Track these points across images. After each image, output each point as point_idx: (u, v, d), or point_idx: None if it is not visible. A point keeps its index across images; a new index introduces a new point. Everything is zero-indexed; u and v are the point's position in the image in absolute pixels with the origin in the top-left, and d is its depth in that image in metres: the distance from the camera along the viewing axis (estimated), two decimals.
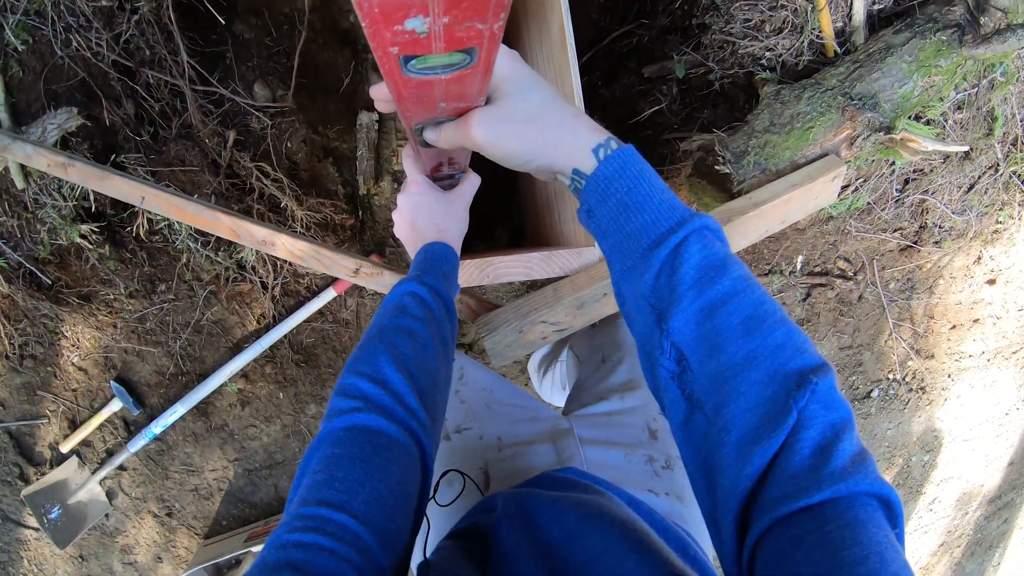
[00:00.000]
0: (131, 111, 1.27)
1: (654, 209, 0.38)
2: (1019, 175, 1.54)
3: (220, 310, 1.49)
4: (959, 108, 1.24)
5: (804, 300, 1.72)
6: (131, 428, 1.54)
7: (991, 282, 1.87)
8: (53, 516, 1.54)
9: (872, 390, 1.87)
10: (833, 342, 1.78)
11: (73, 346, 1.52)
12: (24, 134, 1.20)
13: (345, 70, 1.44)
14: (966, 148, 1.18)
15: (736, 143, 1.08)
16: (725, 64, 1.19)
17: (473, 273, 0.90)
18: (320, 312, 1.49)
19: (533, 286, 1.47)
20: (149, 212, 1.35)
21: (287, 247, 1.02)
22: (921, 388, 1.93)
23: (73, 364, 1.55)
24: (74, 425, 1.59)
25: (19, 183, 1.23)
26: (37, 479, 1.59)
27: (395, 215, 0.63)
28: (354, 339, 1.54)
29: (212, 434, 1.56)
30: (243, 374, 1.52)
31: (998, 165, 1.43)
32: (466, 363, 0.90)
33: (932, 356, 1.90)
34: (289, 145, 1.35)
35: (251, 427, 1.57)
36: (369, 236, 1.49)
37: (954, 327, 1.90)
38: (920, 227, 1.60)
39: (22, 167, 1.23)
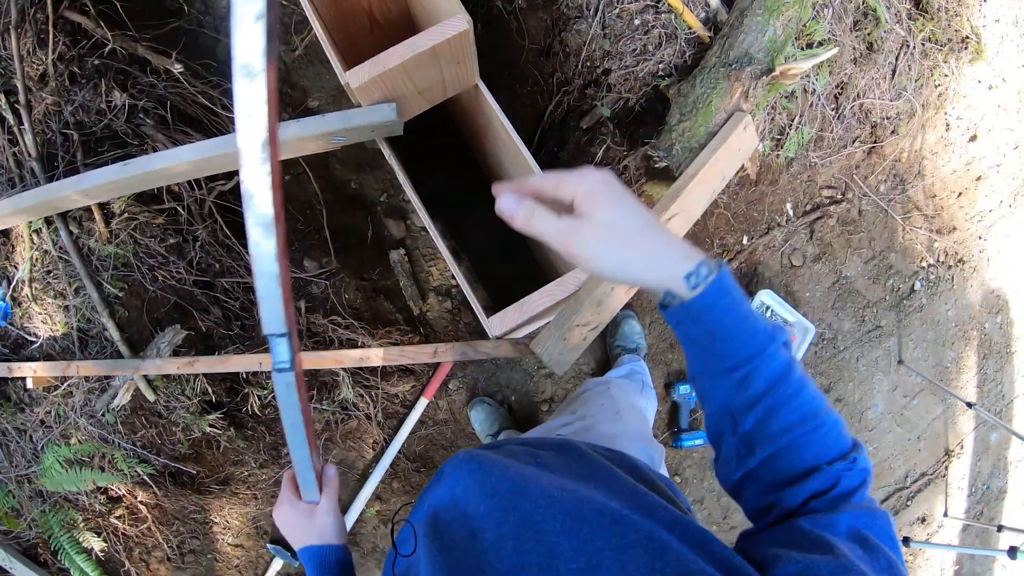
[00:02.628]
0: (219, 314, 1.57)
1: (737, 339, 0.44)
2: (929, 39, 1.70)
3: (339, 451, 1.70)
4: (839, 20, 1.47)
5: (811, 238, 1.87)
6: None
7: (973, 139, 1.99)
8: None
9: (913, 283, 1.97)
10: (856, 260, 1.91)
11: (225, 528, 1.73)
12: (143, 357, 1.49)
13: (364, 224, 1.74)
14: (834, 51, 1.39)
15: (663, 142, 1.33)
16: (635, 89, 1.46)
17: (513, 316, 1.14)
18: (421, 421, 1.69)
19: None
20: (256, 390, 1.61)
21: (379, 355, 1.27)
22: (959, 261, 2.02)
23: (229, 544, 1.76)
24: None
25: (150, 396, 1.51)
26: None
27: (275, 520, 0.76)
28: (455, 433, 1.73)
29: (367, 559, 1.72)
30: (376, 497, 1.71)
31: (907, 42, 1.62)
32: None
33: (954, 228, 2.01)
34: (347, 296, 1.62)
35: None
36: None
37: (960, 194, 2.01)
38: (872, 127, 1.78)
39: (149, 383, 1.51)
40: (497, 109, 1.23)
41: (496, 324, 1.13)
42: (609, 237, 0.42)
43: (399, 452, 1.67)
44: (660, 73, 1.41)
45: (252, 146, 0.45)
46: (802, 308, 1.83)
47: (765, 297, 1.74)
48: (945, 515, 2.09)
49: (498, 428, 1.61)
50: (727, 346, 0.45)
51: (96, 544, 1.71)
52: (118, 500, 1.74)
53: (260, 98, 0.43)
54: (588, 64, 1.47)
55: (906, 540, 1.75)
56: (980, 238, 2.05)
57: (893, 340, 1.95)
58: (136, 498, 1.72)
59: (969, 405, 1.84)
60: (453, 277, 1.74)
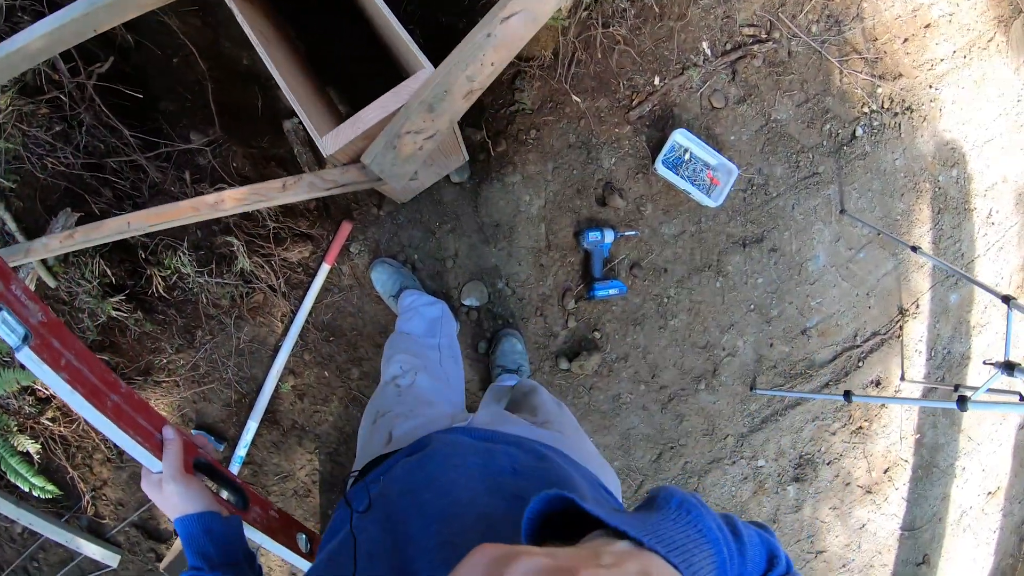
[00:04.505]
0: (110, 195, 1.55)
1: None
2: None
3: (250, 328, 1.68)
4: None
5: (733, 79, 1.76)
6: (224, 465, 1.71)
7: None
8: None
9: (854, 129, 1.84)
10: (787, 103, 1.79)
11: None
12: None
13: (255, 96, 1.69)
14: None
15: None
16: None
17: (347, 131, 1.08)
18: (325, 288, 1.66)
19: None
20: (159, 270, 1.59)
21: (233, 197, 1.22)
22: (907, 108, 1.89)
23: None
24: None
25: (51, 283, 1.50)
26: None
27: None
28: (360, 298, 1.69)
29: (288, 436, 1.71)
30: (290, 371, 1.69)
31: None
32: (420, 376, 1.08)
33: (900, 75, 1.87)
34: (235, 164, 1.58)
35: (316, 414, 1.71)
36: (333, 209, 1.68)
37: (906, 40, 1.87)
38: None
39: (48, 269, 1.50)
40: None
41: (329, 142, 1.07)
42: None
43: (307, 323, 1.64)
44: None
45: None
46: (727, 152, 1.73)
47: (679, 138, 1.64)
48: (902, 379, 2.00)
49: (399, 287, 1.57)
50: None
51: (31, 447, 1.73)
52: (47, 401, 1.75)
53: None
54: None
55: (847, 394, 1.66)
56: (931, 87, 1.90)
57: (833, 188, 1.84)
58: None
59: (913, 249, 1.73)
60: None
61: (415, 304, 1.47)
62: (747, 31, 1.75)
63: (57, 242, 1.41)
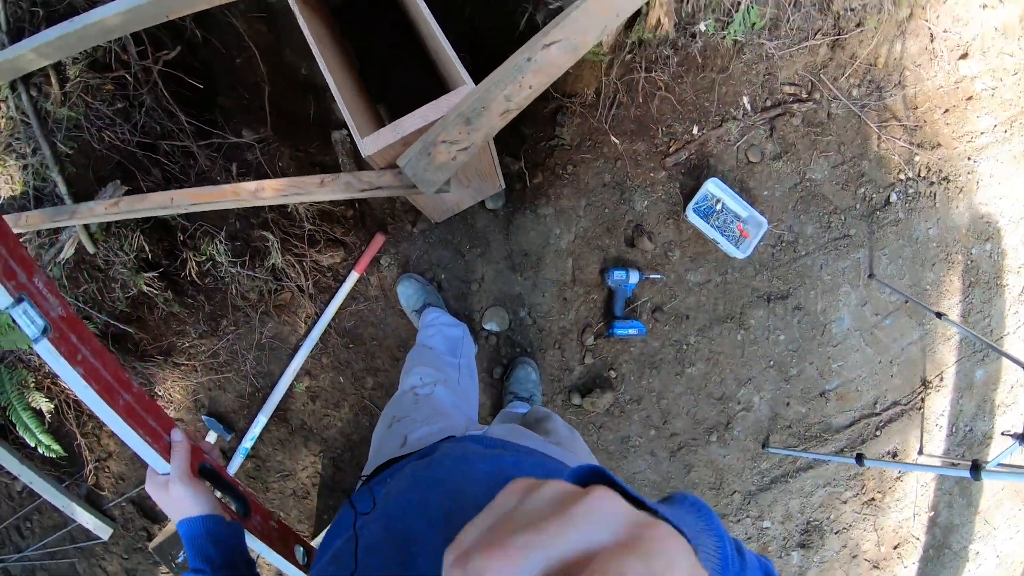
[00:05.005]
0: (159, 175, 1.62)
1: None
2: None
3: (274, 325, 1.71)
4: None
5: (771, 135, 1.78)
6: (228, 455, 1.72)
7: (964, 56, 1.87)
8: (180, 559, 1.70)
9: (888, 195, 1.85)
10: (823, 164, 1.81)
11: (168, 402, 1.76)
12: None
13: (309, 105, 1.77)
14: None
15: None
16: None
17: (387, 135, 1.13)
18: (351, 296, 1.69)
19: None
20: (195, 255, 1.64)
21: (273, 187, 1.27)
22: (943, 178, 1.89)
23: (171, 417, 1.79)
24: None
25: (90, 248, 1.55)
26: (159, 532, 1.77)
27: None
28: (384, 310, 1.71)
29: (295, 436, 1.71)
30: (306, 372, 1.71)
31: None
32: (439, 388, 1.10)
33: (938, 144, 1.88)
34: (280, 164, 1.64)
35: (325, 417, 1.72)
36: (369, 221, 1.72)
37: (947, 111, 1.89)
38: (835, 19, 1.69)
39: (90, 236, 1.55)
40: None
41: (369, 144, 1.11)
42: None
43: (330, 327, 1.67)
44: None
45: None
46: (759, 206, 1.74)
47: (712, 187, 1.66)
48: (920, 452, 1.94)
49: (423, 304, 1.59)
50: None
51: (44, 405, 1.76)
52: None
53: None
54: None
55: (859, 457, 1.62)
56: (969, 159, 1.91)
57: (864, 252, 1.84)
58: None
59: (938, 315, 1.71)
60: None
61: (437, 322, 1.49)
62: (788, 89, 1.78)
63: (103, 208, 1.47)
